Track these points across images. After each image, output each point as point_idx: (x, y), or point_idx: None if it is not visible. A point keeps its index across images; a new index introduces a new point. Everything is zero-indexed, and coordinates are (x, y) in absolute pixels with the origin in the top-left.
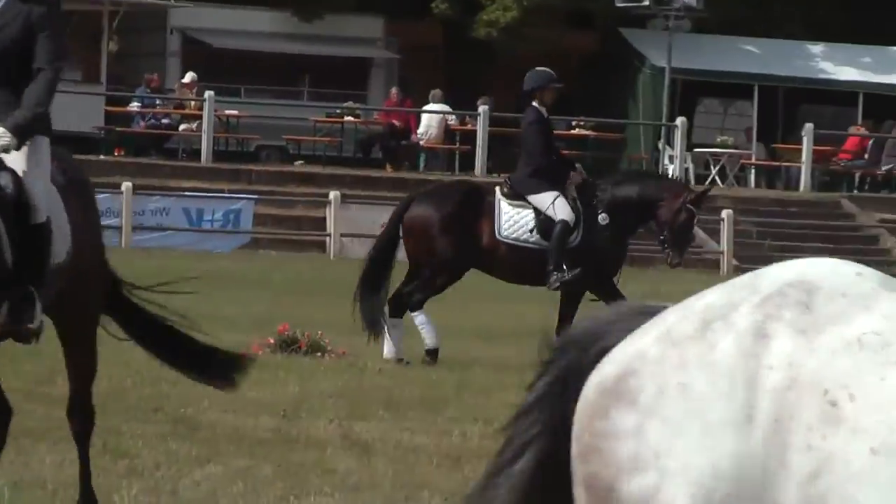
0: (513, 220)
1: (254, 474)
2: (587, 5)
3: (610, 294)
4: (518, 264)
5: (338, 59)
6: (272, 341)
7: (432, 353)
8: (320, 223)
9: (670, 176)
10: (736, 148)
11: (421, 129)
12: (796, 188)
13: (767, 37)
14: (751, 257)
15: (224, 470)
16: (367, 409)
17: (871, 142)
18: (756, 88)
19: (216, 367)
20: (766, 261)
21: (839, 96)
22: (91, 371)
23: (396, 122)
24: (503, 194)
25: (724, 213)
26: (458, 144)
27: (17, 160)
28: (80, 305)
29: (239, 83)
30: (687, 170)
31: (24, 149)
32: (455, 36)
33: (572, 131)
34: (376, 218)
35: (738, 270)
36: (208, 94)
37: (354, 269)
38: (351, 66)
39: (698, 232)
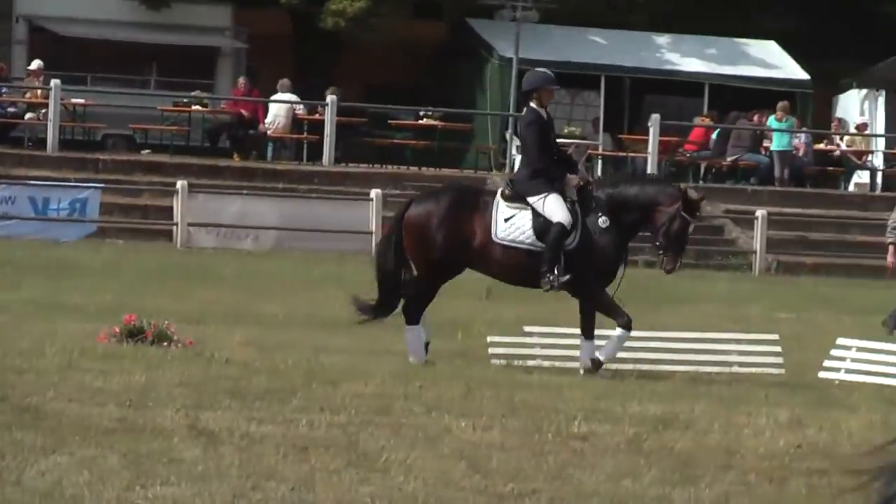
0: (510, 222)
1: (100, 464)
2: None
3: (595, 296)
4: (513, 266)
5: (185, 48)
6: (118, 331)
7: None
8: (167, 212)
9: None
10: (583, 138)
11: (269, 119)
12: None
13: (614, 28)
14: None
15: (69, 460)
16: (213, 398)
17: (715, 132)
18: (603, 79)
19: None
20: None
21: (685, 87)
22: None
23: (244, 112)
24: (503, 196)
25: None
26: (305, 134)
27: None
28: None
29: (86, 71)
30: None
31: None
32: (303, 26)
33: (420, 121)
34: (224, 207)
35: None
36: (54, 82)
37: (202, 257)
38: (198, 55)
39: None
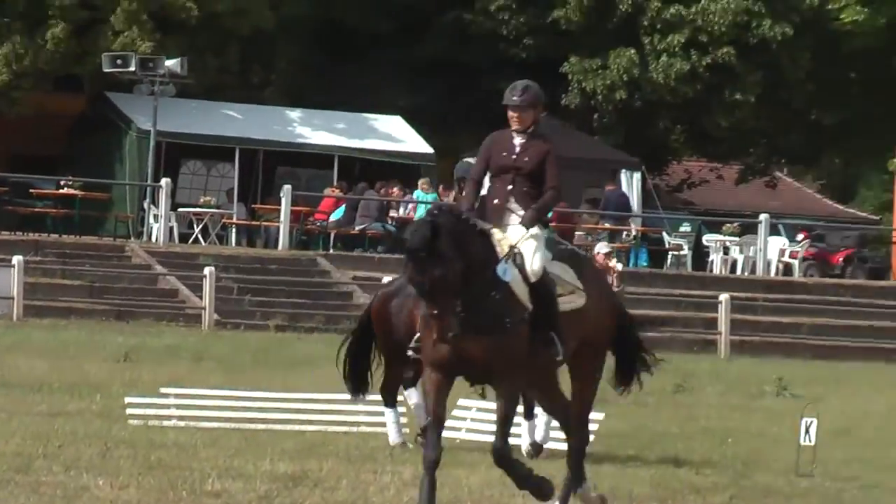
0: None
1: None
2: (75, 70)
3: None
4: None
5: None
6: None
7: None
8: None
9: None
10: (218, 208)
11: None
12: (275, 246)
13: (249, 103)
14: (231, 312)
15: None
16: None
17: (345, 203)
18: (237, 151)
19: None
20: (247, 315)
21: (316, 159)
22: None
23: None
24: None
25: (207, 270)
26: None
27: None
28: None
29: None
30: (172, 228)
31: None
32: None
33: (61, 190)
34: None
35: (219, 325)
36: None
37: None
38: None
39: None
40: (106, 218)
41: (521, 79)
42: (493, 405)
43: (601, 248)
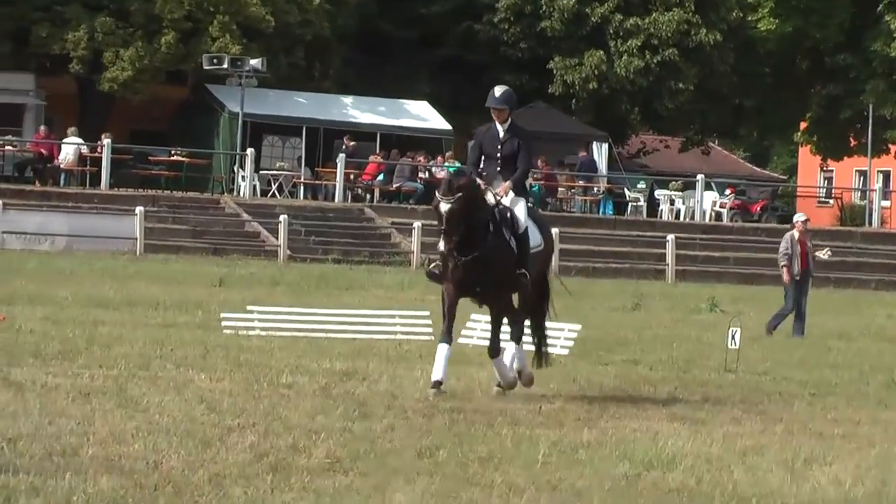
0: None
1: None
2: (182, 66)
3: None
4: None
5: (0, 105)
6: None
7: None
8: None
9: None
10: (290, 170)
11: (62, 156)
12: (333, 199)
13: (312, 91)
14: (299, 249)
15: None
16: (20, 358)
17: (384, 167)
18: (304, 128)
19: None
20: (311, 251)
21: (363, 135)
22: None
23: (44, 151)
24: None
25: (281, 217)
26: (88, 167)
27: None
28: None
29: None
30: (255, 186)
31: None
32: (86, 88)
33: (172, 157)
34: (28, 219)
35: (290, 259)
36: None
37: (12, 256)
38: (9, 110)
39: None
40: (205, 178)
41: (517, 73)
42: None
43: (799, 217)
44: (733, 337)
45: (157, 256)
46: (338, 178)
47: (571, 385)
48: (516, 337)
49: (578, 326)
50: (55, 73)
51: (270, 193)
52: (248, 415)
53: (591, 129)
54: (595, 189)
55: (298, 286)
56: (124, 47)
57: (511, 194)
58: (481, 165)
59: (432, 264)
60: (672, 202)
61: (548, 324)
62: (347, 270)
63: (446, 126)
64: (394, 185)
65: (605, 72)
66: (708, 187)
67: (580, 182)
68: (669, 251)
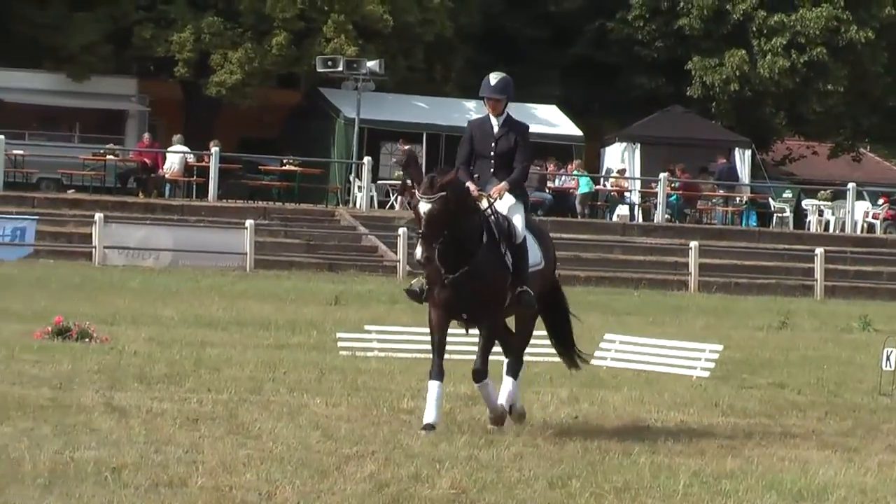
0: None
1: (36, 433)
2: (294, 69)
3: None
4: None
5: (101, 111)
6: (50, 330)
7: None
8: (87, 238)
9: None
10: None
11: (166, 165)
12: None
13: (432, 95)
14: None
15: (13, 430)
16: (123, 382)
17: None
18: (424, 135)
19: None
20: None
21: None
22: None
23: (147, 160)
24: None
25: (400, 230)
26: (195, 177)
27: None
28: None
29: (23, 129)
30: (372, 197)
31: None
32: (192, 93)
33: (284, 167)
34: (131, 234)
35: (410, 274)
36: None
37: (114, 273)
38: (111, 116)
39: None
40: (320, 189)
41: (652, 75)
42: (631, 339)
43: None
44: (888, 358)
45: (269, 272)
46: None
47: (713, 410)
48: (513, 371)
49: (720, 347)
50: (159, 77)
51: (389, 205)
52: (366, 442)
53: (732, 135)
54: (737, 199)
55: (419, 304)
56: (232, 49)
57: (507, 197)
58: (473, 165)
59: (413, 281)
60: (820, 213)
61: (686, 344)
62: None
63: (577, 132)
64: None
65: (748, 73)
66: (859, 196)
67: (721, 192)
68: (818, 265)
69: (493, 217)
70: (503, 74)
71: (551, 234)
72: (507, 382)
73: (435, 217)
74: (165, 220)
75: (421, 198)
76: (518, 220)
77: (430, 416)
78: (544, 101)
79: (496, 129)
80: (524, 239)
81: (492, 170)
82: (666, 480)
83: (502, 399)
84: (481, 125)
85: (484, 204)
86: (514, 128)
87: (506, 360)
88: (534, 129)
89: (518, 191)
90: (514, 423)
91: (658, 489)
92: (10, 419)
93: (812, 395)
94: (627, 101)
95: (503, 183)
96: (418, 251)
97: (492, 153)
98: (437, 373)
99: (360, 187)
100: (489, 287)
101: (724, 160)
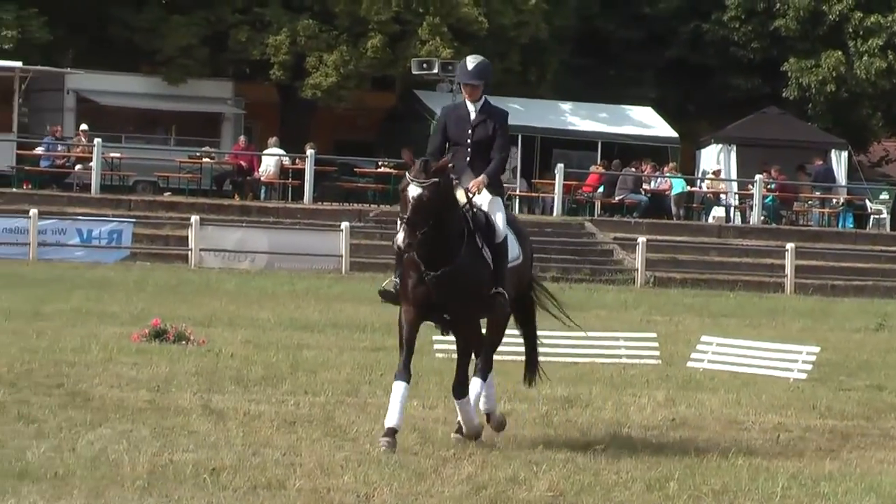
0: None
1: (134, 435)
2: (389, 71)
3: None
4: None
5: (197, 114)
6: (147, 332)
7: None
8: (184, 240)
9: None
10: (505, 182)
11: (262, 168)
12: (550, 213)
13: (528, 97)
14: None
15: (111, 432)
16: (221, 384)
17: (605, 178)
18: (519, 137)
19: None
20: None
21: (583, 143)
22: None
23: (243, 163)
24: None
25: None
26: (290, 180)
27: None
28: None
29: (120, 132)
30: None
31: None
32: (287, 96)
33: (379, 169)
34: (227, 236)
35: None
36: (97, 140)
37: (210, 275)
38: (207, 119)
39: None
40: None
41: (748, 76)
42: (728, 340)
43: None
44: None
45: (364, 275)
46: (556, 191)
47: (811, 412)
48: (483, 373)
49: (817, 349)
50: (254, 80)
51: None
52: (463, 445)
53: (828, 136)
54: (833, 201)
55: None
56: (328, 52)
57: (485, 192)
58: (447, 154)
59: (385, 283)
60: None
61: (783, 346)
62: (567, 289)
63: (672, 133)
64: (616, 198)
65: (844, 74)
66: None
67: (817, 193)
68: None
69: (470, 212)
70: (481, 58)
71: (648, 237)
72: (476, 384)
73: (424, 204)
74: (261, 223)
75: (412, 181)
76: (500, 219)
77: (392, 419)
78: (639, 102)
79: (473, 116)
80: (505, 237)
81: (468, 158)
82: (764, 483)
83: (479, 405)
84: (456, 111)
85: (462, 198)
86: (493, 115)
87: (475, 360)
88: (628, 130)
89: (496, 183)
90: (494, 431)
91: (756, 491)
92: (109, 421)
93: None
94: (723, 102)
95: (482, 176)
96: (400, 237)
97: (468, 140)
98: (404, 373)
99: None
100: (471, 288)
101: (821, 162)
